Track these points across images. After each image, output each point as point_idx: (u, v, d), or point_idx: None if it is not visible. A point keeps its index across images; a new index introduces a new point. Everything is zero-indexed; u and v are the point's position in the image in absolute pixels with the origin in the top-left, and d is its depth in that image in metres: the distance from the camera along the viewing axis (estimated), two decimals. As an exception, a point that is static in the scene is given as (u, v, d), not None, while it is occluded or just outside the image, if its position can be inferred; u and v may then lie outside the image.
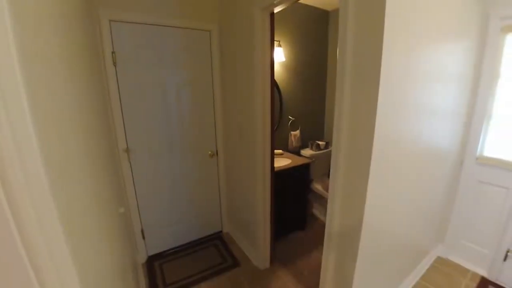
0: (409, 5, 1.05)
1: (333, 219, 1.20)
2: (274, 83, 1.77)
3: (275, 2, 1.48)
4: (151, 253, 2.27)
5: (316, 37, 2.66)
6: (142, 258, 2.21)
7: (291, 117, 2.22)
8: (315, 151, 2.27)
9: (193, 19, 2.04)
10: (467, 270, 2.10)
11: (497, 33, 1.79)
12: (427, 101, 1.43)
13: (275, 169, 1.97)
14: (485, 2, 1.78)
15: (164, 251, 2.32)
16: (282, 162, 2.20)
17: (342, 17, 1.06)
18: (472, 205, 2.05)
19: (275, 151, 2.41)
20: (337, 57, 1.08)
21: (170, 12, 1.93)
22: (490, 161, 1.91)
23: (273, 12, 1.61)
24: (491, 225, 1.97)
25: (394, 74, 1.05)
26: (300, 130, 2.33)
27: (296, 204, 2.43)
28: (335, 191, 1.17)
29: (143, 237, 2.19)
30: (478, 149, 1.96)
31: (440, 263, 2.18)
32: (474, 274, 2.05)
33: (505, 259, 1.91)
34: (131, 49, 1.85)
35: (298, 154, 2.44)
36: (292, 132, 2.23)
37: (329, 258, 1.35)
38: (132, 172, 2.03)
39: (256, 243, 2.08)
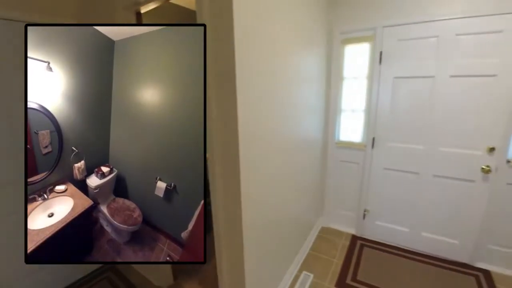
0: (259, 26, 1.18)
1: (218, 214, 1.23)
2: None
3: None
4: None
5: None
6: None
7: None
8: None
9: (43, 13, 1.65)
10: (342, 233, 2.62)
11: (339, 44, 2.29)
12: (293, 100, 1.68)
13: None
14: (329, 20, 2.25)
15: (36, 305, 1.84)
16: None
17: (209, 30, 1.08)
18: (338, 180, 2.57)
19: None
20: (207, 71, 1.10)
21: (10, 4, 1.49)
22: (344, 144, 2.45)
23: (140, 12, 1.50)
24: (352, 193, 2.52)
25: (252, 81, 1.16)
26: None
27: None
28: (216, 189, 1.19)
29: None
30: (336, 136, 2.47)
31: (324, 232, 2.64)
32: (347, 234, 2.58)
33: (364, 217, 2.49)
34: None
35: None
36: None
37: (222, 253, 1.38)
38: None
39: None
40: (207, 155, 1.20)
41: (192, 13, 2.64)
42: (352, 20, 2.18)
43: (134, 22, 1.47)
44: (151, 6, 1.46)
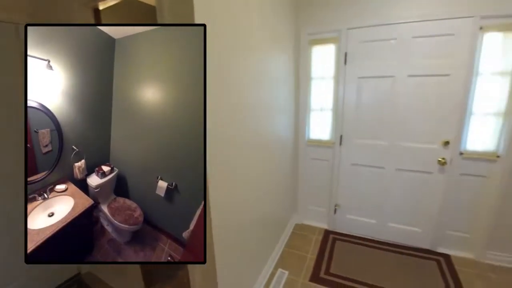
0: (222, 25, 1.17)
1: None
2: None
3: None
4: None
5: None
6: None
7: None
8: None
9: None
10: (316, 228, 2.69)
11: (306, 45, 2.34)
12: (262, 99, 1.69)
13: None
14: (297, 22, 2.30)
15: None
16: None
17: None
18: (310, 177, 2.64)
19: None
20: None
21: None
22: (315, 142, 2.53)
23: (98, 8, 1.43)
24: (324, 190, 2.60)
25: (218, 81, 1.16)
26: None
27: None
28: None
29: None
30: (306, 134, 2.53)
31: (298, 228, 2.69)
32: (320, 229, 2.66)
33: (335, 212, 2.58)
34: None
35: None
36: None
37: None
38: None
39: (122, 269, 1.84)
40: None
41: (152, 9, 2.52)
42: (319, 22, 2.24)
43: (92, 18, 1.39)
44: (110, 3, 1.39)
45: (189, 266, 1.32)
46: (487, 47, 1.88)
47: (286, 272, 2.08)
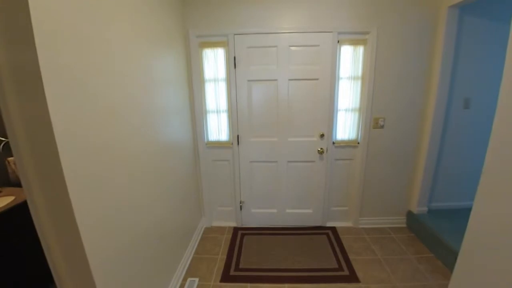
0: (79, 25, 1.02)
1: (48, 243, 1.00)
2: None
3: None
4: None
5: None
6: None
7: (2, 138, 1.50)
8: None
9: None
10: (225, 228, 2.74)
11: (196, 48, 2.33)
12: (145, 102, 1.56)
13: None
14: (185, 23, 2.25)
15: None
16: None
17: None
18: (213, 179, 2.66)
19: None
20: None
21: None
22: (214, 144, 2.56)
23: None
24: (228, 189, 2.67)
25: (76, 85, 1.00)
26: None
27: (32, 255, 1.68)
28: (38, 210, 0.95)
29: None
30: (205, 136, 2.54)
31: (207, 232, 2.68)
32: (230, 228, 2.72)
33: (241, 209, 2.69)
34: None
35: None
36: (9, 159, 1.53)
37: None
38: None
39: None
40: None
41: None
42: (207, 25, 2.27)
43: None
44: None
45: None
46: (343, 57, 2.35)
47: (196, 279, 2.03)
